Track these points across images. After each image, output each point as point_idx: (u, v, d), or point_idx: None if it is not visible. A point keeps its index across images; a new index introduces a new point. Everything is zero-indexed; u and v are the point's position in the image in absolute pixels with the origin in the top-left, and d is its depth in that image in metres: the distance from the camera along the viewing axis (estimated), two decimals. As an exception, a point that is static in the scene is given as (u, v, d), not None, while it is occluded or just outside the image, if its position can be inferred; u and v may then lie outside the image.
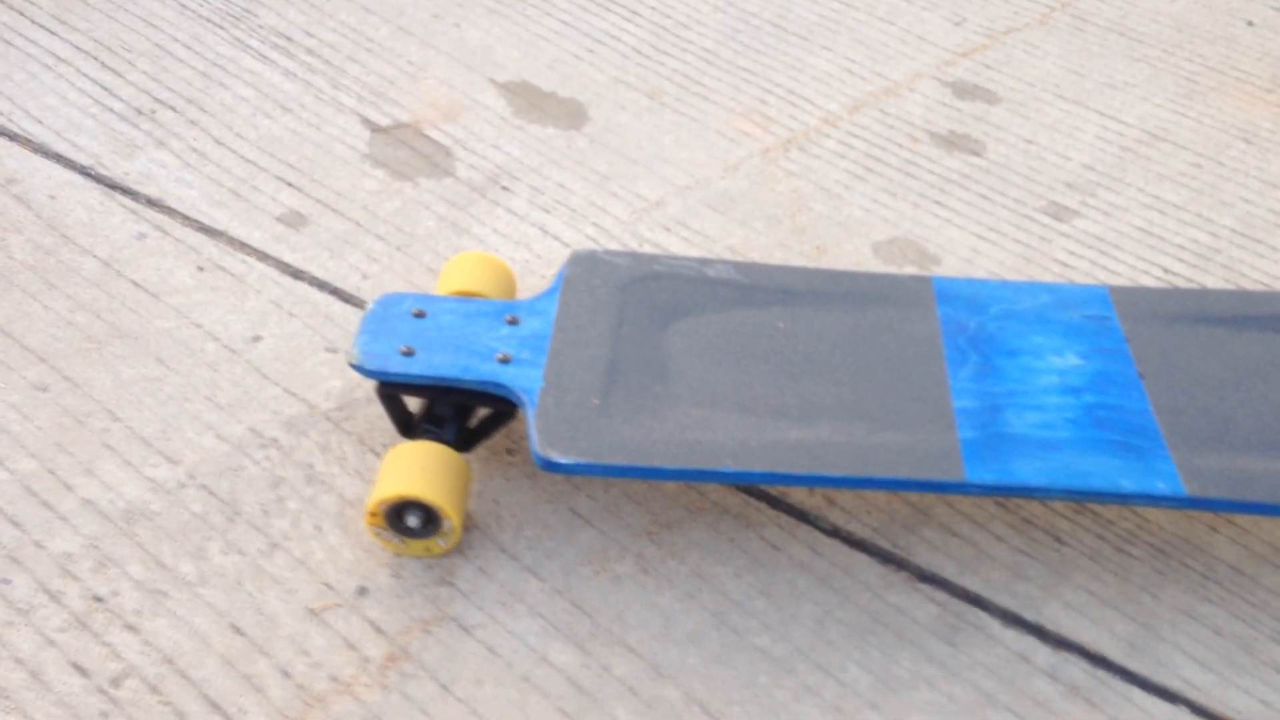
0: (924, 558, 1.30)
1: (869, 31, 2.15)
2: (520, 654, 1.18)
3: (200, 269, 1.58)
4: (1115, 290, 1.43)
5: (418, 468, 1.20)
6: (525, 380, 1.26)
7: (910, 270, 1.67)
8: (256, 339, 1.49)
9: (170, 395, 1.42)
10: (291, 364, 1.46)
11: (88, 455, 1.34)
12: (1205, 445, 1.23)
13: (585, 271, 1.41)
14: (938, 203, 1.79)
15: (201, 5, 2.07)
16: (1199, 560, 1.30)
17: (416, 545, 1.24)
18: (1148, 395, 1.29)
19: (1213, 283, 1.66)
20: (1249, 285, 1.65)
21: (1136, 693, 1.18)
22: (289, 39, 2.01)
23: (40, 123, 1.81)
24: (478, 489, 1.33)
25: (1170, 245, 1.72)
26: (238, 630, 1.19)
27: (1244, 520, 1.34)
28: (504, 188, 1.74)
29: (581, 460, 1.18)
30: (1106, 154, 1.89)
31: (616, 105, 1.94)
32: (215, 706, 1.13)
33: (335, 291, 1.56)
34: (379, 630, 1.20)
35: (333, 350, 1.48)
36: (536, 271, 1.61)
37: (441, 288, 1.43)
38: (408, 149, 1.80)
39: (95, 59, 1.93)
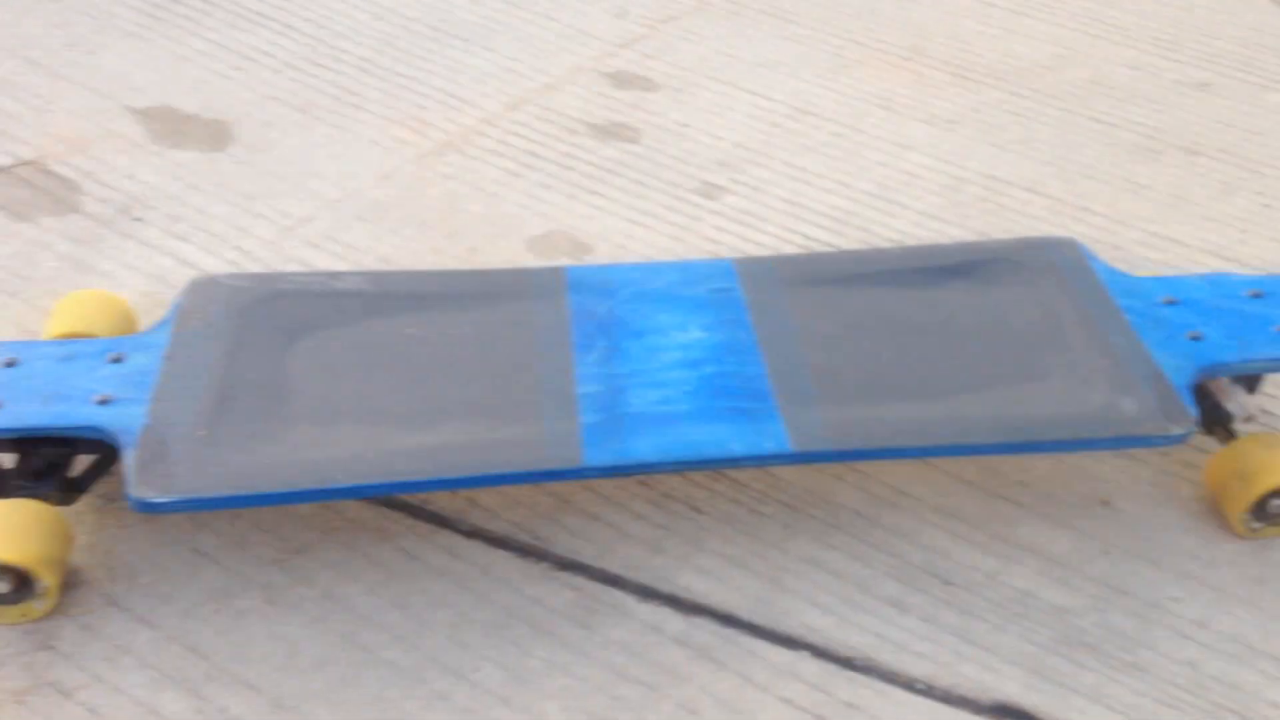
0: (564, 545, 1.30)
1: (531, 29, 2.16)
2: (125, 710, 1.13)
3: None
4: (738, 262, 1.47)
5: (2, 530, 1.14)
6: (125, 420, 1.21)
7: (564, 262, 1.68)
8: None
9: None
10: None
11: None
12: (813, 401, 1.27)
13: (203, 299, 1.37)
14: (593, 192, 1.81)
15: None
16: (825, 510, 1.34)
17: (11, 612, 1.17)
18: (764, 360, 1.32)
19: (849, 245, 1.71)
20: (882, 243, 1.71)
21: (761, 645, 1.21)
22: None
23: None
24: (89, 540, 1.27)
25: (812, 213, 1.77)
26: None
27: (866, 466, 1.39)
28: (136, 219, 1.68)
29: (180, 497, 1.14)
30: (756, 131, 1.94)
31: (264, 123, 1.89)
32: None
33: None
34: (-33, 709, 1.13)
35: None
36: (168, 304, 1.56)
37: (49, 332, 1.37)
38: (29, 188, 1.71)
39: None
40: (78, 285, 1.56)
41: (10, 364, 1.26)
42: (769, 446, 1.22)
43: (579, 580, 1.27)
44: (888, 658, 1.21)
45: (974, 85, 2.06)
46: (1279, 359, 1.33)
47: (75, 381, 1.25)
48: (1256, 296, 1.40)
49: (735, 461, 1.22)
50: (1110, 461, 1.41)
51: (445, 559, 1.28)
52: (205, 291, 1.38)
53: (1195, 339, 1.35)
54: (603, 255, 1.69)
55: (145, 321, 1.49)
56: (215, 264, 1.63)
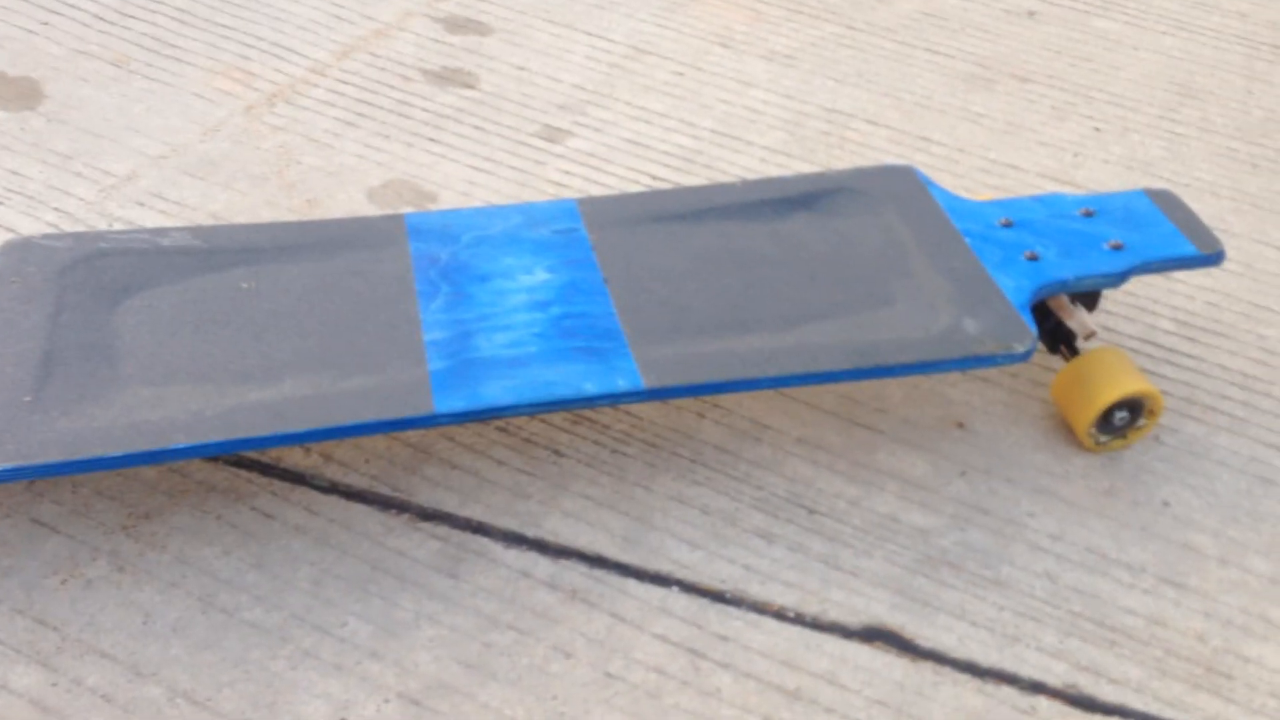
0: (426, 496, 1.27)
1: (356, -25, 2.09)
2: (-31, 686, 1.07)
3: None
4: (582, 202, 1.44)
5: None
6: (-58, 390, 1.14)
7: (407, 211, 1.63)
8: None
9: None
10: None
11: None
12: (662, 338, 1.26)
13: (18, 261, 1.29)
14: (432, 139, 1.76)
15: None
16: (688, 447, 1.34)
17: None
18: (612, 298, 1.30)
19: (696, 182, 1.70)
20: (727, 179, 1.71)
21: (631, 584, 1.20)
22: None
23: None
24: (-85, 516, 1.19)
25: (656, 153, 1.76)
26: None
27: (726, 403, 1.38)
28: (-58, 182, 1.58)
29: (7, 465, 1.07)
30: (596, 73, 1.91)
31: (77, 78, 1.79)
32: None
33: None
34: None
35: None
36: (-15, 267, 1.46)
37: None
38: None
39: None
40: (-118, 252, 1.46)
41: None
42: (622, 384, 1.20)
43: (443, 530, 1.24)
44: (757, 588, 1.21)
45: (810, 20, 2.07)
46: (1111, 275, 1.36)
47: (-114, 351, 1.16)
48: (1088, 215, 1.44)
49: (590, 401, 1.20)
50: (963, 385, 1.44)
51: (303, 516, 1.24)
52: (20, 254, 1.30)
53: (1032, 259, 1.37)
54: (446, 203, 1.65)
55: (-39, 288, 1.40)
56: (33, 226, 1.54)
